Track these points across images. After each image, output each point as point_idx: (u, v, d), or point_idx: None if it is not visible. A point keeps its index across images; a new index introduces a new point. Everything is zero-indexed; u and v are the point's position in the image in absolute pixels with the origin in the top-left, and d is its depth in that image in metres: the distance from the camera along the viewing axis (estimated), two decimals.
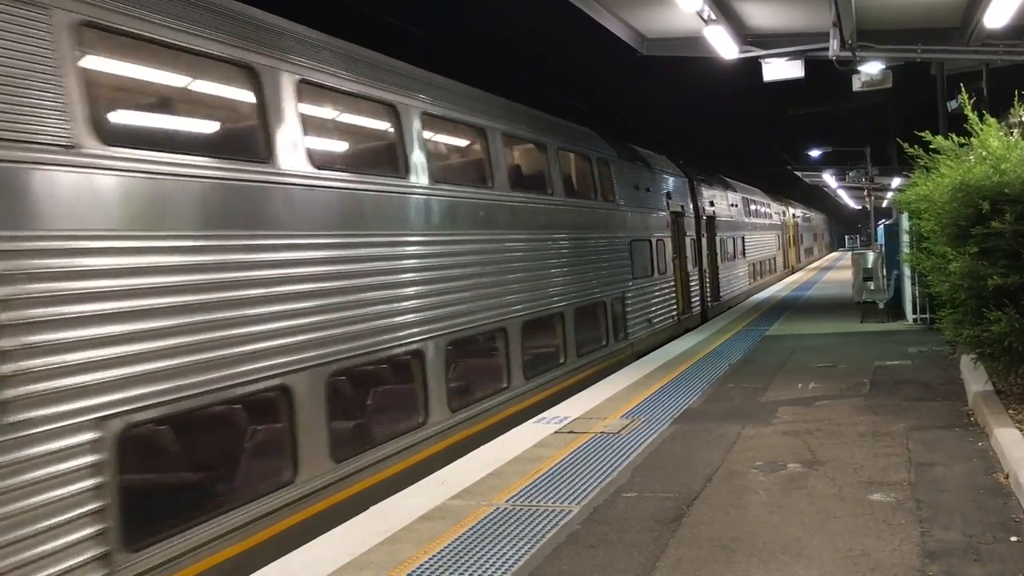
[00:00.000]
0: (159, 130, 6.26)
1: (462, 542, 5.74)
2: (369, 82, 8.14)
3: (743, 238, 27.68)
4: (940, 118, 17.42)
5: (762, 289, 29.55)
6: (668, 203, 18.43)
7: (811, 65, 12.62)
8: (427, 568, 5.33)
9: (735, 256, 26.28)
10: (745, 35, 12.27)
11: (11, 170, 4.67)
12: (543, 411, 9.90)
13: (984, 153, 8.26)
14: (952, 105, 16.04)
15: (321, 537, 6.07)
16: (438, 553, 5.56)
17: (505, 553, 5.49)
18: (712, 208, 22.94)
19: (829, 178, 39.94)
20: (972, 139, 8.57)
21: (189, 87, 6.56)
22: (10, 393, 4.53)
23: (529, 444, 8.36)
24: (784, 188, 47.38)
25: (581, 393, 11.21)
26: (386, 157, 8.60)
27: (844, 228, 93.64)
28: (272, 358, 6.36)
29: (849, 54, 11.47)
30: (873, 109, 34.43)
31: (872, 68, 13.21)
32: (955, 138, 9.03)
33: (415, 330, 8.37)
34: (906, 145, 9.59)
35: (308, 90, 7.24)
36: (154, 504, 5.61)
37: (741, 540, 5.45)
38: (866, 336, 15.24)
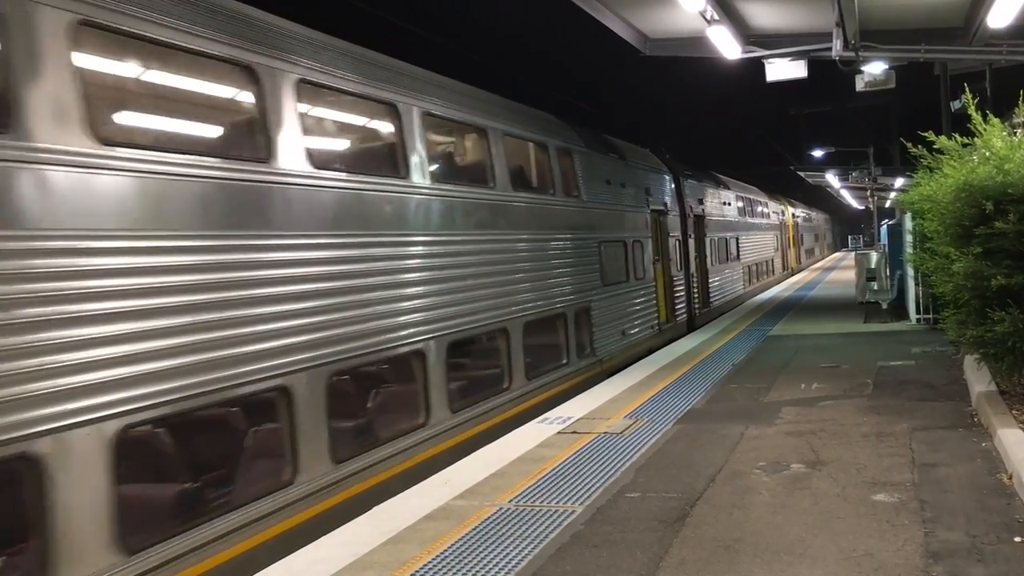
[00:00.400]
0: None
1: (465, 542, 5.74)
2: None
3: (737, 239, 26.23)
4: (943, 118, 17.38)
5: (759, 293, 28.11)
6: (648, 200, 16.86)
7: (814, 65, 12.61)
8: (430, 568, 5.34)
9: (728, 258, 24.72)
10: (748, 35, 12.27)
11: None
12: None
13: (988, 153, 8.25)
14: (955, 105, 16.00)
15: (324, 537, 6.08)
16: (441, 553, 5.56)
17: (508, 553, 5.49)
18: (701, 207, 21.41)
19: (832, 178, 39.90)
20: (975, 139, 8.56)
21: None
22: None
23: (532, 444, 8.36)
24: (787, 188, 47.36)
25: (583, 394, 11.21)
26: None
27: (847, 228, 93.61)
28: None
29: (852, 54, 11.46)
30: (876, 109, 34.37)
31: (875, 68, 13.19)
32: (958, 138, 9.02)
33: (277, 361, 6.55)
34: (909, 145, 9.57)
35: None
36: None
37: (744, 540, 5.45)
38: (869, 336, 15.22)
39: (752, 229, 29.71)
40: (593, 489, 6.75)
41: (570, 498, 6.57)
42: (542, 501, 6.55)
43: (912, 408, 8.86)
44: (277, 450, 6.58)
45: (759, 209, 32.08)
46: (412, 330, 8.29)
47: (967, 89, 8.85)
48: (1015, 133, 8.99)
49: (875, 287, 20.43)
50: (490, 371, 10.36)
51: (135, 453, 5.39)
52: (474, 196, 9.96)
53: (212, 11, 6.29)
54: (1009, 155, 7.94)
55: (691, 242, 20.07)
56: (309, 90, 7.29)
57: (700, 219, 21.22)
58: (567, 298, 12.32)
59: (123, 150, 5.38)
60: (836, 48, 11.25)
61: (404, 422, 8.26)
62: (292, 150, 6.87)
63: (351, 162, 8.42)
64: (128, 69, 6.03)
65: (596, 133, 15.57)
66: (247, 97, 6.77)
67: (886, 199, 46.13)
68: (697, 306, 20.38)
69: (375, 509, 6.67)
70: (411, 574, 5.27)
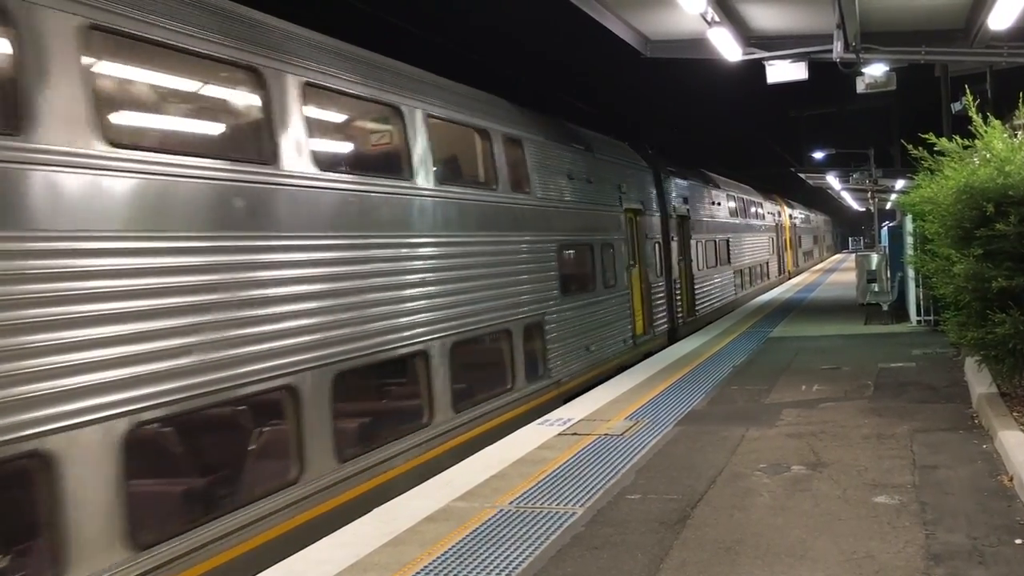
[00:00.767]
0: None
1: (466, 544, 5.74)
2: None
3: (727, 241, 24.63)
4: (944, 120, 17.38)
5: (752, 298, 26.69)
6: (622, 198, 15.09)
7: (815, 67, 12.61)
8: (431, 570, 5.34)
9: (717, 262, 23.11)
10: (749, 37, 12.27)
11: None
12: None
13: (988, 155, 8.25)
14: (956, 107, 16.02)
15: (325, 538, 6.08)
16: (442, 555, 5.56)
17: (509, 555, 5.49)
18: (686, 206, 19.75)
19: (833, 180, 39.87)
20: (976, 141, 8.56)
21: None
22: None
23: (533, 446, 8.36)
24: (788, 190, 47.31)
25: (584, 395, 11.20)
26: None
27: (848, 230, 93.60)
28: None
29: (853, 56, 11.46)
30: (877, 111, 34.32)
31: (876, 70, 13.20)
32: (959, 140, 9.03)
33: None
34: (910, 147, 9.58)
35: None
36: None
37: (745, 542, 5.45)
38: (870, 338, 15.22)
39: (745, 231, 28.22)
40: (594, 491, 6.75)
41: (571, 500, 6.57)
42: (543, 503, 6.55)
43: (913, 410, 8.86)
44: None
45: (753, 210, 30.63)
46: (278, 361, 6.44)
47: (968, 91, 8.86)
48: (1016, 135, 9.00)
49: (876, 289, 20.41)
50: (403, 405, 8.64)
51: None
52: (379, 190, 8.05)
53: None
54: (1010, 157, 7.95)
55: (674, 245, 18.43)
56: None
57: (685, 220, 19.67)
58: (513, 311, 10.51)
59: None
60: (837, 50, 11.26)
61: (268, 480, 6.47)
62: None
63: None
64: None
65: (558, 121, 13.86)
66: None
67: (887, 201, 46.10)
68: (680, 315, 18.78)
69: (376, 510, 6.68)
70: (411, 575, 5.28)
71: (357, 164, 8.27)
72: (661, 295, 17.31)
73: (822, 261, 56.83)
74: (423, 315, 8.51)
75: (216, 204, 6.07)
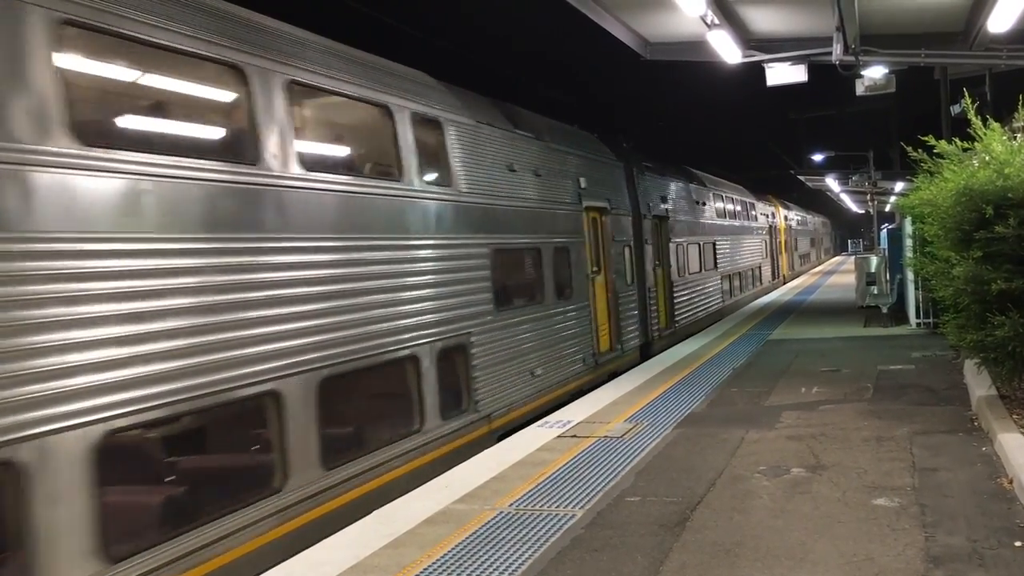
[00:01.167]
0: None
1: (466, 546, 5.74)
2: None
3: (714, 244, 22.80)
4: (943, 122, 17.40)
5: (742, 306, 24.99)
6: (582, 195, 13.24)
7: (814, 69, 12.61)
8: (430, 572, 5.34)
9: (701, 267, 21.26)
10: (748, 39, 12.27)
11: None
12: None
13: (988, 157, 8.26)
14: (955, 109, 16.04)
15: (325, 540, 6.08)
16: (441, 557, 5.56)
17: (509, 557, 5.49)
18: (664, 206, 18.01)
19: (832, 182, 39.91)
20: (975, 143, 8.57)
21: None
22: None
23: (532, 448, 8.36)
24: (787, 192, 47.35)
25: (583, 398, 11.20)
26: None
27: (847, 232, 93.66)
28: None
29: (852, 58, 11.46)
30: (876, 113, 34.36)
31: (875, 72, 13.20)
32: (958, 143, 9.04)
33: None
34: (909, 149, 9.58)
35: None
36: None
37: (745, 545, 5.45)
38: (869, 340, 15.22)
39: (734, 233, 26.27)
40: (593, 493, 6.75)
41: (570, 502, 6.57)
42: (542, 505, 6.55)
43: (912, 412, 8.86)
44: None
45: (744, 210, 28.74)
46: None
47: (967, 93, 8.87)
48: (1015, 137, 9.00)
49: (875, 291, 20.43)
50: (243, 465, 6.67)
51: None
52: (215, 178, 6.18)
53: None
54: (1009, 159, 7.95)
55: (648, 248, 16.60)
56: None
57: (662, 220, 17.88)
58: (420, 333, 8.45)
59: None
60: (836, 52, 11.26)
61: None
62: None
63: None
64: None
65: (497, 103, 11.80)
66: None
67: (886, 203, 46.16)
68: (656, 328, 16.95)
69: (376, 512, 6.68)
70: None
71: (171, 143, 6.14)
72: (632, 306, 15.42)
73: (820, 264, 55.75)
74: (273, 345, 6.42)
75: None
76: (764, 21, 11.73)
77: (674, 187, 19.46)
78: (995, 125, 8.44)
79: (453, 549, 5.70)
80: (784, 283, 35.77)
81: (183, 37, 6.09)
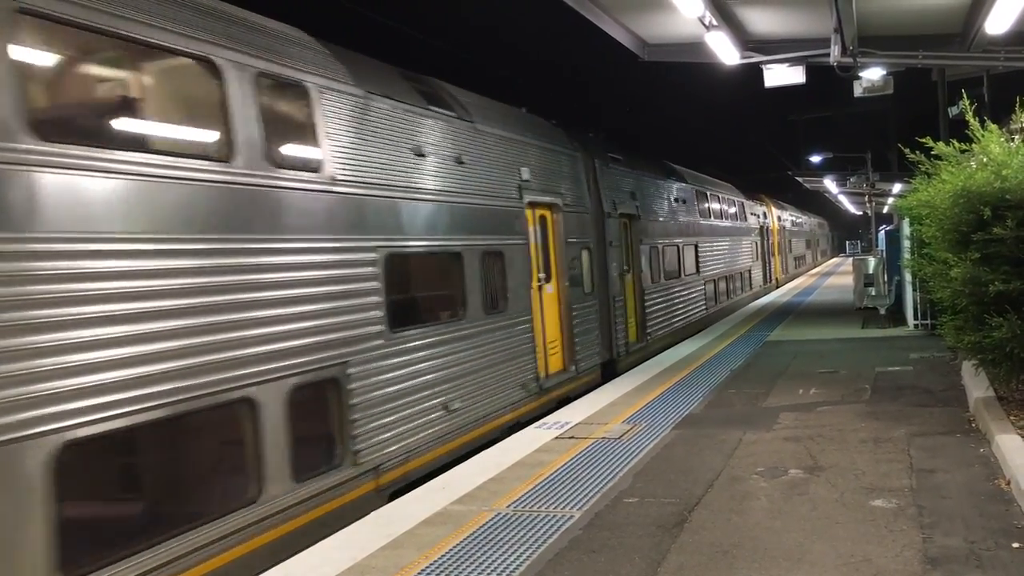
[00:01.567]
0: None
1: (463, 547, 5.74)
2: None
3: (696, 246, 20.89)
4: (941, 124, 17.44)
5: (730, 312, 23.27)
6: (524, 189, 11.26)
7: (812, 71, 12.63)
8: (428, 573, 5.33)
9: (680, 271, 19.33)
10: (746, 41, 12.28)
11: None
12: None
13: (985, 159, 8.27)
14: (953, 111, 16.07)
15: (323, 541, 6.08)
16: (439, 558, 5.56)
17: (506, 558, 5.49)
18: (635, 203, 16.13)
19: (830, 183, 39.98)
20: (973, 145, 8.58)
21: None
22: None
23: (530, 449, 8.36)
24: (785, 193, 47.41)
25: (581, 399, 11.20)
26: None
27: (845, 233, 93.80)
28: None
29: (850, 60, 11.47)
30: (874, 115, 34.48)
31: (873, 74, 13.23)
32: (956, 144, 9.05)
33: None
34: (907, 151, 9.60)
35: None
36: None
37: (742, 546, 5.45)
38: (867, 342, 15.23)
39: (721, 234, 24.36)
40: (591, 494, 6.75)
41: (568, 503, 6.57)
42: (540, 506, 6.55)
43: (910, 414, 8.87)
44: None
45: (732, 210, 26.79)
46: None
47: (965, 95, 8.88)
48: (1013, 139, 9.02)
49: (873, 292, 20.44)
50: None
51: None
52: None
53: None
54: (1007, 161, 7.97)
55: (613, 251, 14.65)
56: None
57: (632, 220, 16.00)
58: (260, 368, 6.32)
59: None
60: (834, 54, 11.27)
61: None
62: None
63: None
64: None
65: (408, 74, 9.61)
66: None
67: (884, 204, 46.24)
68: (623, 342, 14.81)
69: (373, 514, 6.68)
70: None
71: None
72: (592, 318, 13.36)
73: (817, 266, 54.53)
74: (26, 387, 4.71)
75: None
76: (762, 22, 11.74)
77: (648, 183, 17.61)
78: (993, 127, 8.46)
79: (451, 550, 5.70)
80: (778, 286, 34.50)
81: None
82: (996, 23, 9.85)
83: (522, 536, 5.88)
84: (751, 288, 28.68)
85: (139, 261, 5.50)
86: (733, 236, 26.28)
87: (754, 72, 12.88)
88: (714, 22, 10.58)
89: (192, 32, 6.18)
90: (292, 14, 7.87)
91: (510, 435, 9.36)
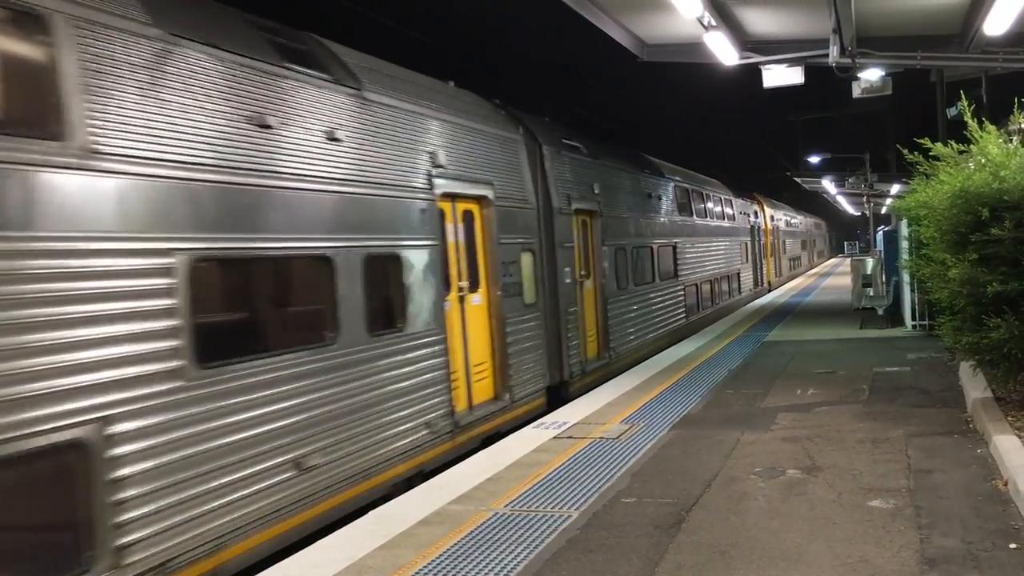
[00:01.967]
0: None
1: (461, 547, 5.74)
2: None
3: (674, 247, 18.85)
4: (939, 125, 17.45)
5: (715, 320, 21.41)
6: (433, 177, 9.04)
7: (811, 72, 12.65)
8: (426, 573, 5.33)
9: (654, 276, 17.25)
10: (745, 41, 12.30)
11: None
12: None
13: (983, 160, 8.28)
14: (951, 112, 16.06)
15: (320, 541, 6.08)
16: (437, 558, 5.56)
17: (504, 558, 5.48)
18: (596, 197, 14.04)
19: (828, 184, 40.03)
20: (971, 146, 8.59)
21: None
22: None
23: (528, 449, 8.36)
24: (784, 193, 47.43)
25: (579, 399, 11.19)
26: None
27: (843, 234, 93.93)
28: None
29: (849, 61, 11.49)
30: (873, 116, 34.49)
31: (872, 75, 13.24)
32: (954, 145, 9.06)
33: None
34: (905, 152, 9.60)
35: None
36: None
37: (740, 546, 5.45)
38: (865, 342, 15.24)
39: (705, 234, 22.29)
40: (589, 494, 6.75)
41: (566, 503, 6.56)
42: (538, 506, 6.54)
43: (908, 414, 8.87)
44: None
45: (717, 208, 24.58)
46: None
47: (963, 96, 8.88)
48: (1011, 140, 9.02)
49: (871, 293, 20.45)
50: None
51: None
52: None
53: None
54: (1005, 162, 7.97)
55: (564, 253, 12.50)
56: None
57: (593, 216, 14.00)
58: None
59: None
60: (833, 55, 11.29)
61: None
62: None
63: None
64: None
65: (253, 20, 7.43)
66: None
67: (882, 205, 46.28)
68: (578, 360, 12.74)
69: (371, 513, 6.68)
70: None
71: None
72: (535, 333, 11.28)
73: (813, 268, 53.19)
74: None
75: None
76: (761, 23, 11.76)
77: (614, 175, 15.30)
78: (991, 128, 8.46)
79: (448, 550, 5.69)
80: (770, 290, 32.53)
81: None
82: (994, 24, 9.88)
83: (519, 536, 5.88)
84: (740, 293, 26.87)
85: None
86: (719, 236, 24.21)
87: (753, 72, 12.90)
88: (713, 22, 10.59)
89: None
90: (291, 12, 7.81)
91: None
